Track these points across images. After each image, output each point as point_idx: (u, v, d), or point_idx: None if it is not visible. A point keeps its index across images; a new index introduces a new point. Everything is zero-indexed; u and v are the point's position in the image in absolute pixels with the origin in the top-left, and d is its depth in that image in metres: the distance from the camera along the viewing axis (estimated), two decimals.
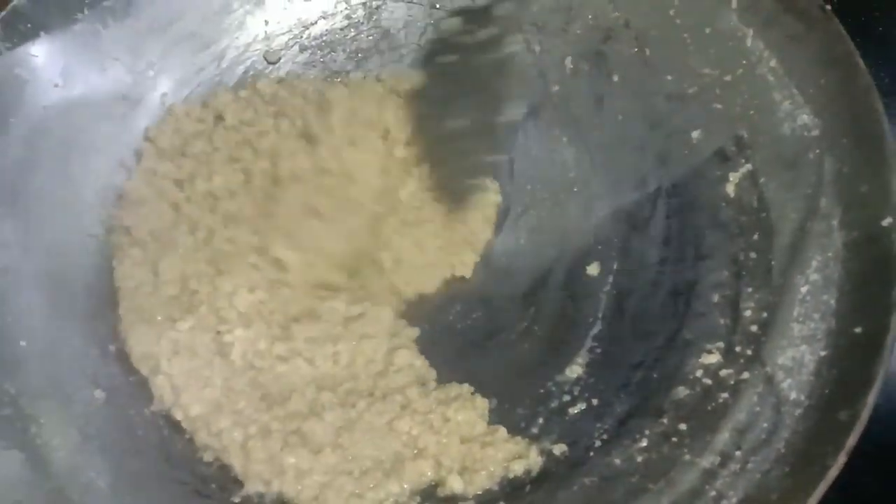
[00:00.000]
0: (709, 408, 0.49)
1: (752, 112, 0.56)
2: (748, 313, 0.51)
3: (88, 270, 0.59)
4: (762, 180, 0.55)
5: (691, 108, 0.60)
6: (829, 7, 0.52)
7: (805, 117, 0.53)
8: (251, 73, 0.68)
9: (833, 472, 0.41)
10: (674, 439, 0.49)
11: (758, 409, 0.47)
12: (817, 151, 0.52)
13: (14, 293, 0.55)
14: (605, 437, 0.52)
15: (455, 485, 0.52)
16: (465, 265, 0.63)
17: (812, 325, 0.48)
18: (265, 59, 0.69)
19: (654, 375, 0.54)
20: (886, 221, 0.47)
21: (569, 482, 0.50)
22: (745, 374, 0.49)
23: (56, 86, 0.60)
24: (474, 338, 0.61)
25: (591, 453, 0.51)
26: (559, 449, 0.53)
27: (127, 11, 0.63)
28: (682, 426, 0.49)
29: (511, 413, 0.56)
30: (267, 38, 0.69)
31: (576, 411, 0.55)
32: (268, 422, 0.53)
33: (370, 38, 0.70)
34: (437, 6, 0.69)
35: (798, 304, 0.49)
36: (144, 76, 0.65)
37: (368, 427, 0.54)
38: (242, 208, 0.61)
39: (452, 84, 0.65)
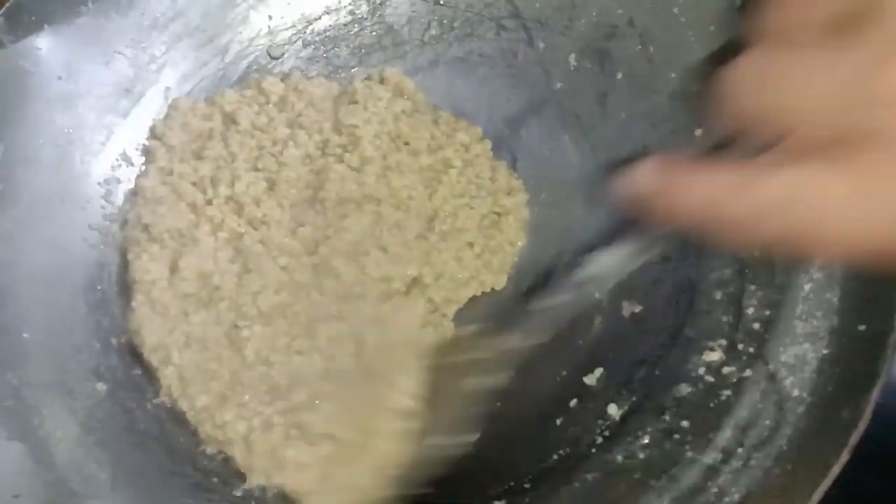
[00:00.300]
0: (711, 405, 0.49)
1: None
2: (751, 311, 0.51)
3: (91, 263, 0.59)
4: None
5: (695, 106, 0.59)
6: None
7: None
8: (254, 67, 0.68)
9: (836, 470, 0.41)
10: (676, 436, 0.49)
11: (760, 406, 0.47)
12: None
13: (16, 285, 0.55)
14: (606, 433, 0.52)
15: None
16: (500, 279, 0.63)
17: (815, 323, 0.48)
18: (268, 53, 0.69)
19: (656, 373, 0.54)
20: None
21: (570, 479, 0.50)
22: (748, 372, 0.49)
23: (59, 78, 0.60)
24: None
25: (593, 450, 0.52)
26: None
27: (131, 5, 0.63)
28: (685, 423, 0.49)
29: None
30: (270, 33, 0.69)
31: (577, 408, 0.55)
32: (270, 415, 0.53)
33: (374, 33, 0.70)
34: (441, 2, 0.69)
35: (801, 302, 0.49)
36: (147, 70, 0.65)
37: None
38: (272, 214, 0.61)
39: None
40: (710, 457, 0.46)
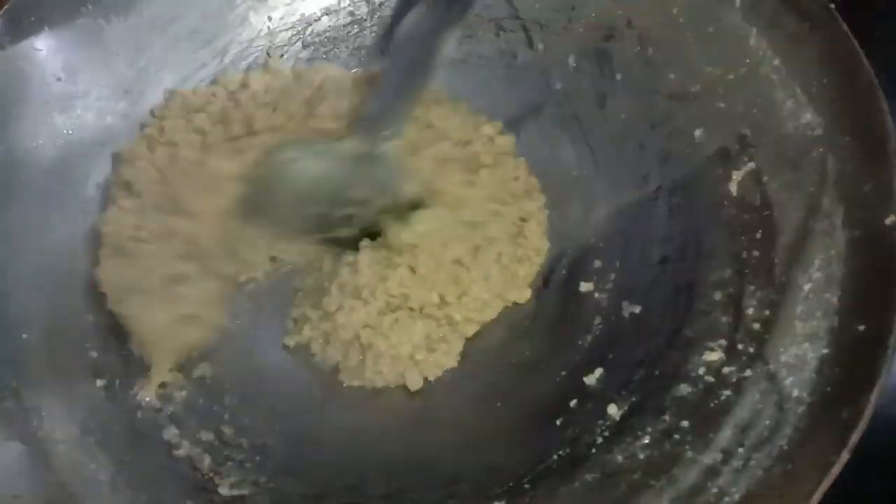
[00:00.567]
0: (711, 405, 0.49)
1: (754, 111, 0.56)
2: (750, 311, 0.51)
3: (89, 263, 0.59)
4: (765, 179, 0.55)
5: (694, 107, 0.59)
6: (832, 5, 0.53)
7: (808, 116, 0.53)
8: (254, 69, 0.68)
9: (836, 470, 0.41)
10: (676, 436, 0.49)
11: (760, 406, 0.47)
12: (820, 150, 0.52)
13: (15, 286, 0.55)
14: (606, 434, 0.52)
15: None
16: (523, 293, 0.62)
17: (815, 323, 0.48)
18: (268, 55, 0.69)
19: (656, 373, 0.53)
20: (889, 220, 0.47)
21: (570, 479, 0.50)
22: (748, 372, 0.49)
23: (58, 80, 0.60)
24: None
25: (593, 450, 0.51)
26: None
27: (130, 6, 0.63)
28: (684, 423, 0.49)
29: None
30: (270, 34, 0.69)
31: (577, 409, 0.55)
32: None
33: (373, 34, 0.71)
34: None
35: (801, 302, 0.49)
36: (146, 71, 0.65)
37: None
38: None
39: None
40: (710, 457, 0.46)
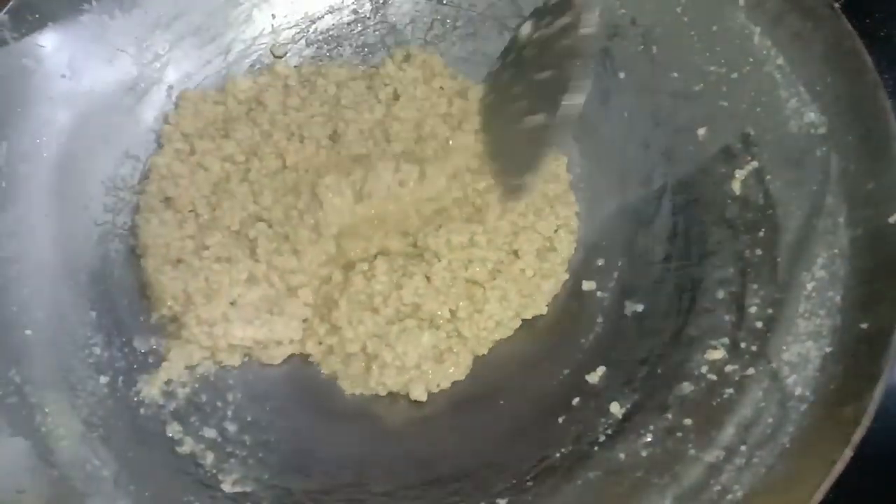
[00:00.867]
0: (714, 403, 0.49)
1: (758, 110, 0.56)
2: (753, 310, 0.51)
3: (93, 259, 0.59)
4: (768, 178, 0.55)
5: (697, 106, 0.60)
6: (836, 4, 0.53)
7: (811, 115, 0.53)
8: (257, 66, 0.69)
9: (839, 467, 0.41)
10: (679, 434, 0.49)
11: (763, 404, 0.47)
12: (824, 149, 0.52)
13: (20, 282, 0.55)
14: (609, 431, 0.52)
15: None
16: (542, 307, 0.61)
17: (817, 322, 0.48)
18: (272, 52, 0.69)
19: (659, 371, 0.54)
20: (892, 219, 0.47)
21: (573, 476, 0.50)
22: (751, 370, 0.49)
23: (63, 76, 0.60)
24: None
25: (596, 448, 0.51)
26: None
27: (134, 4, 0.63)
28: (687, 421, 0.49)
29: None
30: (273, 31, 0.69)
31: (579, 407, 0.55)
32: None
33: (377, 32, 0.71)
34: (444, 1, 0.69)
35: (804, 301, 0.49)
36: (151, 68, 0.65)
37: None
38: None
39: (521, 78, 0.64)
40: (713, 454, 0.46)
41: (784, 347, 0.48)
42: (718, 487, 0.45)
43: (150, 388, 0.56)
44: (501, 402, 0.58)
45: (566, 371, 0.58)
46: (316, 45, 0.70)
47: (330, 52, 0.70)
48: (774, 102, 0.55)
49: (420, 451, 0.56)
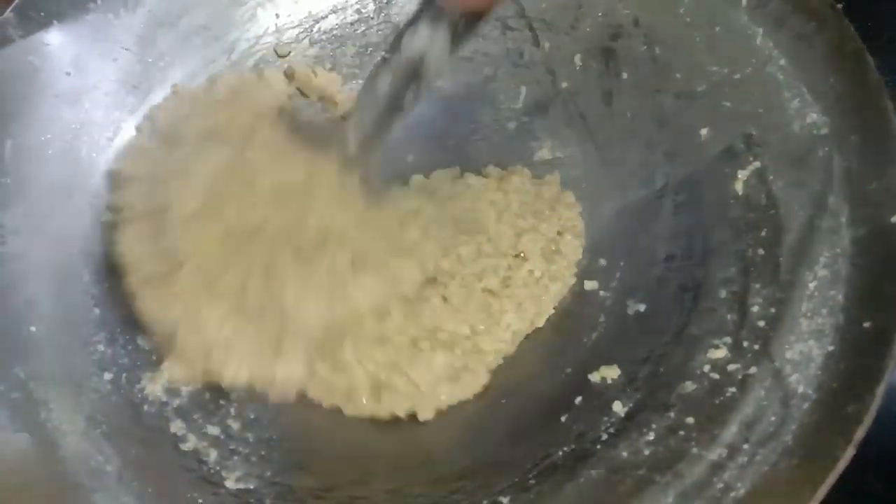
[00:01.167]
0: (716, 402, 0.49)
1: (761, 110, 0.56)
2: (756, 309, 0.52)
3: (97, 257, 0.59)
4: (771, 178, 0.55)
5: (700, 106, 0.60)
6: (839, 5, 0.53)
7: (814, 115, 0.53)
8: (261, 65, 0.69)
9: (841, 465, 0.41)
10: (681, 433, 0.49)
11: (765, 402, 0.47)
12: (826, 149, 0.52)
13: (24, 279, 0.55)
14: (611, 430, 0.52)
15: None
16: (549, 313, 0.61)
17: (820, 321, 0.48)
18: (275, 52, 0.70)
19: (661, 370, 0.54)
20: (895, 218, 0.47)
21: (575, 474, 0.50)
22: (753, 369, 0.49)
23: (68, 74, 0.60)
24: None
25: (599, 446, 0.51)
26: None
27: (139, 2, 0.64)
28: (690, 420, 0.49)
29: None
30: (277, 31, 0.70)
31: (582, 406, 0.55)
32: None
33: (380, 32, 0.71)
34: None
35: (806, 300, 0.49)
36: (155, 67, 0.65)
37: None
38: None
39: None
40: (716, 453, 0.46)
41: (786, 346, 0.48)
42: (721, 485, 0.45)
43: (154, 386, 0.56)
44: (503, 401, 0.58)
45: (568, 370, 0.58)
46: (319, 45, 0.71)
47: (333, 51, 0.71)
48: (777, 103, 0.55)
49: (422, 450, 0.56)
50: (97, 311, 0.57)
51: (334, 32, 0.71)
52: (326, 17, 0.71)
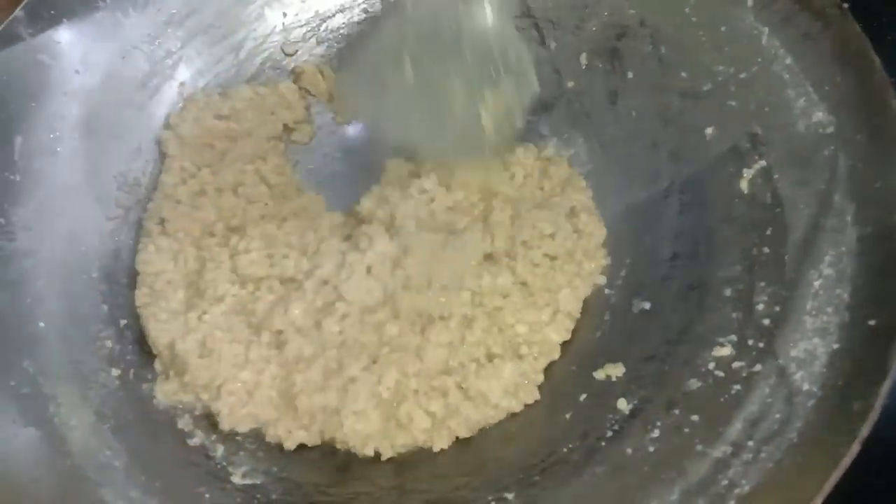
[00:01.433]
0: (721, 399, 0.49)
1: (766, 109, 0.56)
2: (761, 307, 0.52)
3: (106, 254, 0.60)
4: (776, 177, 0.55)
5: (705, 106, 0.60)
6: (845, 5, 0.53)
7: (819, 114, 0.53)
8: (268, 64, 0.69)
9: (846, 462, 0.41)
10: (686, 430, 0.49)
11: (770, 400, 0.47)
12: (831, 148, 0.52)
13: (34, 275, 0.56)
14: (616, 427, 0.52)
15: None
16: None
17: (825, 319, 0.48)
18: (282, 50, 0.70)
19: (666, 368, 0.54)
20: None
21: (580, 471, 0.51)
22: (758, 367, 0.49)
23: (77, 72, 0.61)
24: None
25: (603, 443, 0.52)
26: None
27: (147, 1, 0.64)
28: (695, 417, 0.49)
29: None
30: (285, 30, 0.70)
31: (587, 403, 0.56)
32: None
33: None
34: None
35: (811, 298, 0.49)
36: (163, 65, 0.66)
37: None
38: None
39: None
40: (720, 450, 0.46)
41: (791, 344, 0.48)
42: (726, 482, 0.45)
43: (162, 392, 0.57)
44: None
45: (573, 368, 0.59)
46: (326, 44, 0.71)
47: (340, 50, 0.71)
48: (782, 102, 0.55)
49: (427, 446, 0.57)
50: (105, 307, 0.58)
51: (341, 31, 0.71)
52: (334, 16, 0.71)
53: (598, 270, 0.62)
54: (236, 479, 0.53)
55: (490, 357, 0.58)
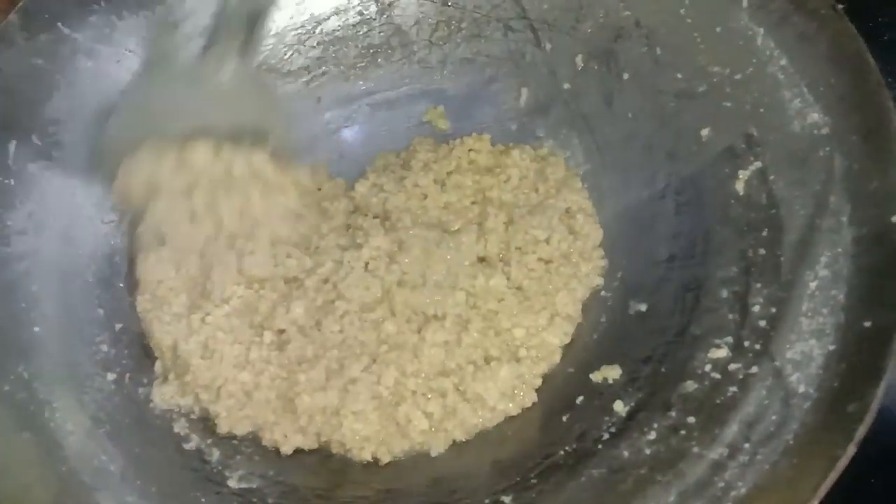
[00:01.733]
0: (717, 401, 0.49)
1: (761, 110, 0.56)
2: (757, 308, 0.52)
3: (101, 258, 0.60)
4: (771, 178, 0.55)
5: (701, 107, 0.60)
6: (841, 6, 0.53)
7: (815, 115, 0.53)
8: (264, 67, 0.69)
9: (842, 464, 0.41)
10: (682, 432, 0.49)
11: (766, 402, 0.47)
12: (827, 149, 0.52)
13: (29, 280, 0.55)
14: (613, 429, 0.52)
15: None
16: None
17: (821, 320, 0.48)
18: (277, 53, 0.70)
19: (663, 370, 0.54)
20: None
21: (577, 473, 0.51)
22: (754, 368, 0.49)
23: (71, 76, 0.61)
24: None
25: (600, 445, 0.52)
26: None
27: (142, 4, 0.64)
28: (691, 419, 0.49)
29: None
30: (279, 32, 0.70)
31: (583, 405, 0.55)
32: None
33: (382, 34, 0.71)
34: (449, 3, 0.70)
35: (807, 300, 0.49)
36: None
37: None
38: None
39: None
40: (717, 452, 0.46)
41: (787, 346, 0.48)
42: (722, 484, 0.45)
43: (160, 395, 0.56)
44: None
45: (570, 370, 0.59)
46: (322, 46, 0.71)
47: (335, 52, 0.71)
48: (778, 103, 0.55)
49: (424, 450, 0.56)
50: (101, 311, 0.58)
51: (336, 34, 0.71)
52: (328, 18, 0.71)
53: (595, 272, 0.62)
54: (232, 484, 0.53)
55: (487, 359, 0.58)
